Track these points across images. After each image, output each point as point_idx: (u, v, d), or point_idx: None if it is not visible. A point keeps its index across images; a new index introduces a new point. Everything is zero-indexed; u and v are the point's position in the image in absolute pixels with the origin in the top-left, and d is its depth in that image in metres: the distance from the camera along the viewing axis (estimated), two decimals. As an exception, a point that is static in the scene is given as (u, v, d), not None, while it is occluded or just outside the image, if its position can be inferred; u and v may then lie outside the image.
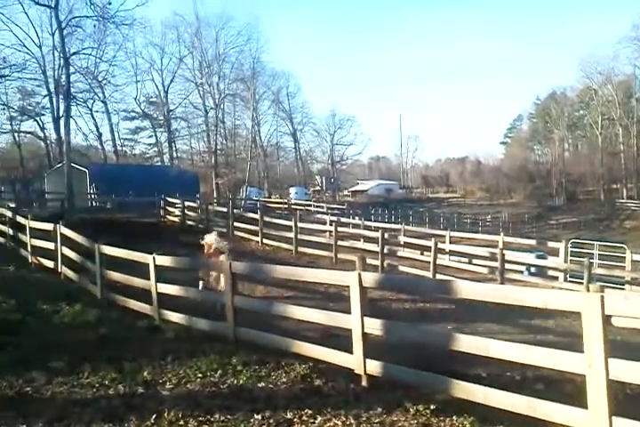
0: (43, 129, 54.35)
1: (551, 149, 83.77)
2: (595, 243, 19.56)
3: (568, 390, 4.83)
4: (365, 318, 5.28)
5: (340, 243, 17.50)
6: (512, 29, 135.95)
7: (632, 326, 5.21)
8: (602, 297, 3.82)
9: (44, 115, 52.47)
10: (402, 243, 18.12)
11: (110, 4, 25.78)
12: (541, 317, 9.57)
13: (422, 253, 16.11)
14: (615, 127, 73.85)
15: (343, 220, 27.02)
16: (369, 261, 15.14)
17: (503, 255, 13.79)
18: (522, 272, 14.92)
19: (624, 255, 15.77)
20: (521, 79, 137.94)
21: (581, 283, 12.72)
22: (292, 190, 64.45)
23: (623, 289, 13.75)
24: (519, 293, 4.58)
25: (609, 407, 3.73)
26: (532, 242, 19.19)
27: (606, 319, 3.81)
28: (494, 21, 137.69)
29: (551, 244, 17.42)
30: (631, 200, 64.32)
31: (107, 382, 5.10)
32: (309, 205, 42.48)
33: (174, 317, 7.84)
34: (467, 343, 4.67)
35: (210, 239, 10.92)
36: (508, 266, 14.24)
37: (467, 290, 5.06)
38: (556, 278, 14.48)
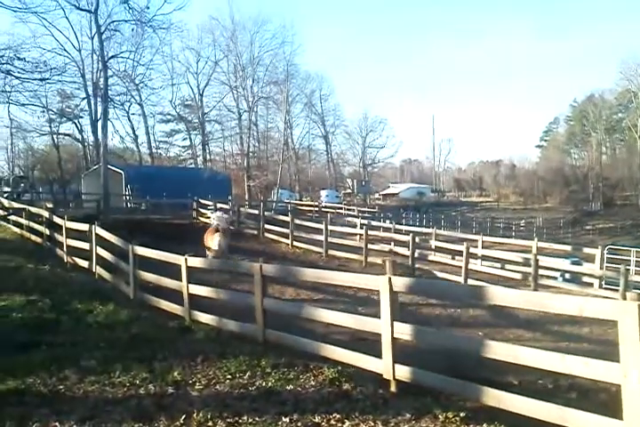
0: (81, 131, 55.64)
1: (588, 153, 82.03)
2: (632, 249, 19.07)
3: (603, 399, 4.72)
4: (395, 323, 5.25)
5: (370, 246, 17.44)
6: (550, 30, 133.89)
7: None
8: (639, 306, 3.73)
9: (82, 117, 53.72)
10: (433, 247, 17.95)
11: (148, 8, 26.19)
12: (574, 324, 9.38)
13: (453, 258, 15.94)
14: (655, 130, 71.95)
15: (374, 223, 26.90)
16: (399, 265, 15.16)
17: (537, 261, 13.55)
18: (556, 278, 14.63)
19: (663, 262, 15.37)
20: (558, 81, 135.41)
21: (617, 290, 12.41)
22: (323, 193, 64.51)
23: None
24: (555, 300, 4.48)
25: (647, 420, 3.62)
26: (567, 248, 18.80)
27: (644, 328, 3.71)
28: (531, 22, 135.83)
29: (586, 250, 17.03)
30: (671, 205, 62.51)
31: (137, 382, 5.17)
32: (340, 208, 42.40)
33: (205, 318, 7.92)
34: (498, 350, 4.59)
35: (213, 216, 11.89)
36: (541, 272, 13.98)
37: (500, 296, 4.97)
38: (590, 285, 14.16)
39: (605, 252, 15.73)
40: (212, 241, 13.82)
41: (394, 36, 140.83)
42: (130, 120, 56.33)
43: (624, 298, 3.99)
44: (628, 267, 13.77)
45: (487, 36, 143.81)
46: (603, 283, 14.21)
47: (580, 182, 75.31)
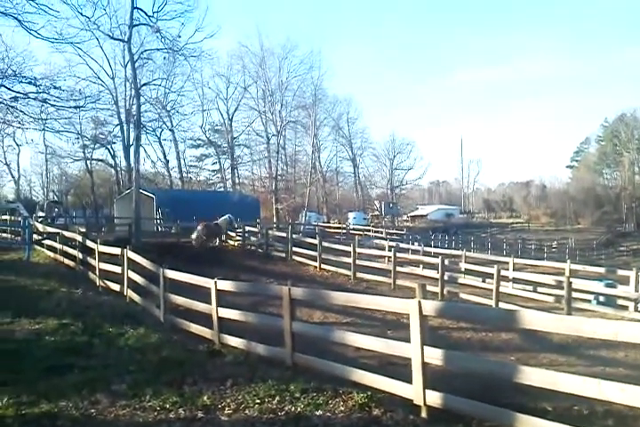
0: (113, 157, 57.00)
1: (620, 173, 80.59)
2: (669, 271, 18.53)
3: (641, 428, 4.57)
4: (425, 348, 5.19)
5: (398, 269, 17.31)
6: (580, 49, 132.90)
7: None
8: (676, 331, 3.63)
9: (114, 143, 55.08)
10: (463, 269, 17.70)
11: (180, 37, 26.79)
12: (609, 347, 9.11)
13: (484, 281, 15.70)
14: (689, 149, 70.46)
15: (402, 245, 26.75)
16: (428, 287, 14.88)
17: (570, 283, 13.25)
18: (590, 301, 14.27)
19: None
20: (588, 101, 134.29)
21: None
22: (351, 215, 64.48)
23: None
24: (590, 324, 4.40)
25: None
26: (601, 270, 18.37)
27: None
28: (560, 42, 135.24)
29: (621, 272, 16.62)
30: None
31: (168, 406, 5.19)
32: (368, 231, 42.33)
33: (234, 341, 7.93)
34: (532, 376, 4.51)
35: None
36: (575, 295, 13.66)
37: (533, 321, 4.88)
38: (626, 308, 13.78)
39: (640, 274, 15.31)
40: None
41: (421, 57, 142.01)
42: (161, 145, 57.62)
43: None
44: (664, 289, 13.38)
45: (516, 56, 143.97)
46: (638, 306, 13.83)
47: (612, 203, 73.95)
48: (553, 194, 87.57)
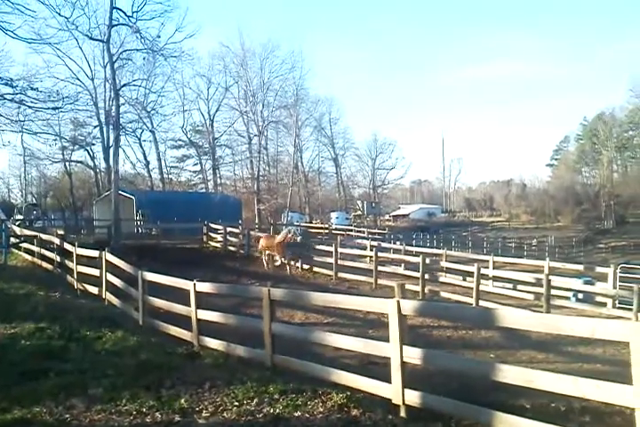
0: (93, 158, 56.26)
1: (599, 171, 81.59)
2: (645, 267, 18.79)
3: (617, 423, 4.61)
4: (404, 347, 5.18)
5: (380, 268, 17.35)
6: (558, 50, 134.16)
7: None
8: (651, 326, 3.67)
9: (94, 144, 54.38)
10: (443, 268, 17.81)
11: (159, 37, 26.70)
12: (587, 344, 9.21)
13: (465, 279, 15.79)
14: (666, 147, 71.66)
15: (384, 245, 26.82)
16: (410, 286, 15.03)
17: (549, 281, 13.37)
18: (569, 298, 14.42)
19: (678, 281, 15.11)
20: (567, 100, 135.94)
21: (631, 310, 12.20)
22: (333, 215, 64.51)
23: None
24: (567, 322, 4.44)
25: (661, 444, 3.53)
26: (580, 267, 18.55)
27: (657, 350, 3.65)
28: (539, 42, 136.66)
29: (599, 269, 16.82)
30: (684, 222, 61.90)
31: (144, 410, 5.12)
32: (350, 230, 42.37)
33: (213, 343, 7.88)
34: (510, 374, 4.53)
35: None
36: (554, 292, 13.77)
37: (512, 319, 4.95)
38: (604, 305, 13.93)
39: (618, 270, 15.51)
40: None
41: (403, 57, 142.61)
42: (141, 147, 57.04)
43: (637, 319, 3.93)
44: (641, 285, 13.53)
45: (498, 56, 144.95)
46: (616, 302, 14.01)
47: (591, 201, 74.80)
48: (533, 192, 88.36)
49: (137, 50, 28.68)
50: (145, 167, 58.23)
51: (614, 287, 14.35)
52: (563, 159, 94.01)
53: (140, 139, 55.51)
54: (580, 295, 14.52)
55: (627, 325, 4.06)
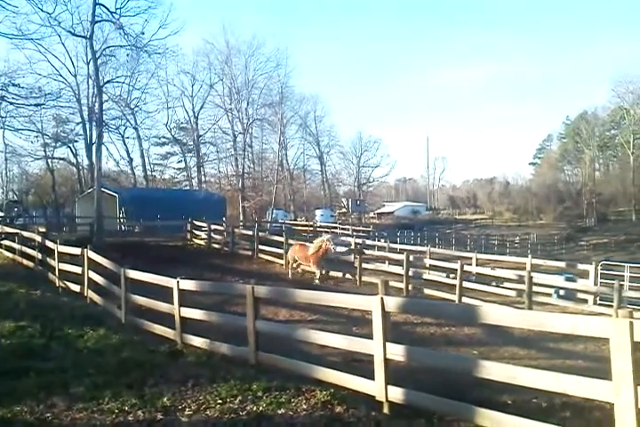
0: (75, 155, 55.59)
1: (581, 170, 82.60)
2: (626, 265, 19.04)
3: (596, 418, 4.67)
4: (388, 344, 5.20)
5: (364, 265, 17.37)
6: (544, 50, 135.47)
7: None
8: (631, 323, 3.72)
9: (77, 141, 53.69)
10: (427, 265, 17.89)
11: (143, 33, 26.41)
12: (569, 340, 9.29)
13: (448, 276, 15.88)
14: (647, 146, 72.57)
15: (368, 242, 26.89)
16: (394, 284, 15.07)
17: (531, 278, 13.50)
18: (551, 295, 14.57)
19: (657, 277, 15.35)
20: (551, 99, 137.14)
21: (612, 306, 12.35)
22: (318, 213, 64.51)
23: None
24: (548, 319, 4.49)
25: (639, 438, 3.58)
26: (561, 264, 18.76)
27: (636, 346, 3.70)
28: (525, 42, 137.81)
29: (581, 266, 17.03)
30: (664, 220, 62.87)
31: (126, 408, 5.08)
32: (335, 228, 42.42)
33: (197, 341, 7.83)
34: (493, 370, 4.57)
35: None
36: (536, 289, 13.92)
37: (494, 316, 5.01)
38: (585, 301, 14.10)
39: (599, 267, 15.71)
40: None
41: (390, 56, 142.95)
42: (125, 144, 56.42)
43: (617, 315, 3.98)
44: (622, 282, 13.72)
45: (484, 56, 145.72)
46: (597, 299, 14.17)
47: (573, 199, 75.72)
48: (516, 190, 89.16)
49: (120, 46, 28.44)
50: (128, 164, 57.71)
51: (595, 284, 14.53)
52: (546, 158, 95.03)
53: (123, 136, 55.03)
54: (562, 292, 14.69)
55: (606, 321, 4.11)
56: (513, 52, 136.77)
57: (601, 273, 15.65)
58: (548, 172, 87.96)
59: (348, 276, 17.31)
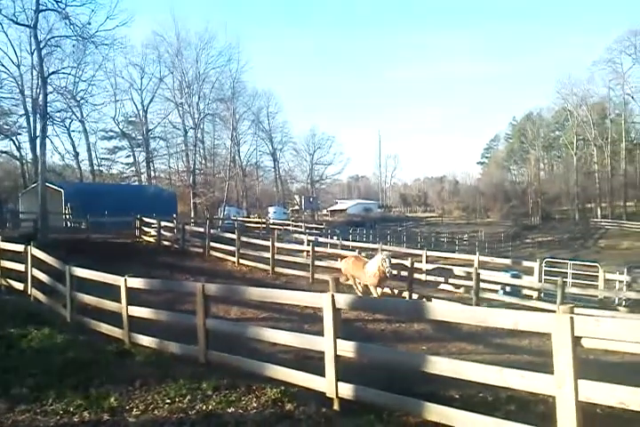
0: (19, 149, 53.66)
1: (527, 169, 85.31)
2: (568, 262, 19.77)
3: (540, 411, 4.82)
4: (338, 341, 5.24)
5: (317, 263, 17.42)
6: (491, 52, 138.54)
7: (604, 346, 5.24)
8: (571, 318, 3.85)
9: (20, 134, 51.73)
10: (379, 262, 18.02)
11: (90, 24, 25.61)
12: (514, 336, 9.59)
13: (399, 273, 16.06)
14: (590, 148, 75.42)
15: (321, 239, 26.96)
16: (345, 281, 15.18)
17: (478, 275, 13.85)
18: (497, 291, 14.97)
19: (597, 274, 15.97)
20: (499, 100, 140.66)
21: (555, 302, 12.79)
22: (271, 210, 64.29)
23: (596, 308, 13.86)
24: (493, 315, 4.61)
25: (578, 429, 3.72)
26: (507, 261, 19.31)
27: (576, 341, 3.83)
28: (474, 44, 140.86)
29: (526, 263, 17.54)
30: (605, 219, 65.54)
31: (71, 409, 4.97)
32: (288, 225, 42.37)
33: (145, 340, 7.69)
34: (440, 366, 4.66)
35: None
36: (483, 285, 14.28)
37: (442, 312, 5.16)
38: (530, 298, 14.55)
39: (544, 265, 16.24)
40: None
41: (341, 53, 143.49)
42: (70, 137, 54.85)
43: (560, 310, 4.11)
44: (564, 279, 14.23)
45: (434, 55, 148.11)
46: (542, 295, 14.64)
47: (519, 197, 78.04)
48: (465, 189, 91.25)
49: (66, 37, 27.48)
50: (74, 159, 56.10)
51: (540, 281, 14.99)
52: (493, 157, 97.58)
53: (68, 129, 53.53)
54: (508, 288, 15.12)
55: (547, 316, 4.24)
56: (465, 52, 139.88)
57: (545, 270, 16.16)
58: (495, 171, 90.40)
59: (301, 273, 17.31)
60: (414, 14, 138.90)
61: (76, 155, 55.75)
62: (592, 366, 4.47)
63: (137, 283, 8.21)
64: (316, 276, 16.75)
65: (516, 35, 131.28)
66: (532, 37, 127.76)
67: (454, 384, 5.35)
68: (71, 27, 24.53)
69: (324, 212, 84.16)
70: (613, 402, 3.74)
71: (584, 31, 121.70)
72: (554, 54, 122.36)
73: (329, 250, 21.71)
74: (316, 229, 41.47)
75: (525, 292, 15.12)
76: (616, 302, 15.40)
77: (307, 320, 10.24)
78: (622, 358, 7.31)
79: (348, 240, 28.99)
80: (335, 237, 30.25)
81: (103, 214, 27.14)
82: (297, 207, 76.39)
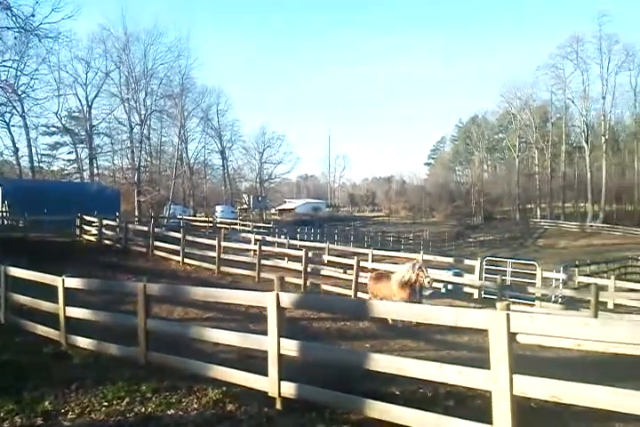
0: (-45, 143, 51.25)
1: (471, 171, 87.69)
2: (508, 260, 20.42)
3: (477, 406, 4.93)
4: (282, 340, 5.22)
5: (263, 262, 17.34)
6: (439, 54, 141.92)
7: (538, 342, 5.41)
8: (507, 315, 3.95)
9: (-44, 128, 49.53)
10: (325, 261, 18.12)
11: (34, 15, 24.61)
12: (455, 332, 9.80)
13: (345, 272, 16.18)
14: (531, 150, 78.24)
15: (268, 238, 26.85)
16: (292, 280, 15.19)
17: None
18: (440, 289, 15.29)
19: (535, 272, 16.54)
20: (446, 103, 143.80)
21: (495, 299, 13.16)
22: (219, 209, 63.64)
23: (534, 305, 14.35)
24: (434, 312, 4.69)
25: (512, 422, 3.83)
26: (450, 260, 19.74)
27: (512, 337, 3.94)
28: (422, 46, 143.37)
29: (467, 261, 17.97)
30: (544, 219, 68.10)
31: (2, 415, 4.78)
32: (235, 224, 42.02)
33: (83, 342, 7.47)
34: (382, 363, 4.70)
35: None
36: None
37: (385, 309, 5.24)
38: (471, 295, 14.92)
39: (484, 263, 16.69)
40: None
41: (291, 53, 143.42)
42: (10, 132, 52.63)
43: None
44: (504, 277, 14.66)
45: (382, 57, 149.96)
46: (482, 293, 15.05)
47: (463, 198, 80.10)
48: (411, 189, 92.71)
49: (7, 28, 26.29)
50: (13, 154, 53.96)
51: (480, 279, 15.40)
52: (439, 158, 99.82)
53: (8, 124, 51.35)
54: (450, 286, 15.47)
55: (485, 313, 4.35)
56: (413, 53, 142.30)
57: (486, 268, 16.62)
58: (441, 172, 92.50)
59: (247, 272, 17.19)
60: (365, 13, 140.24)
61: (16, 150, 53.66)
62: (527, 361, 4.60)
63: (75, 283, 7.96)
64: (263, 275, 16.67)
65: (468, 37, 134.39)
66: (480, 41, 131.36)
67: (395, 381, 5.42)
68: (13, 18, 23.50)
69: (273, 211, 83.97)
70: (546, 396, 3.85)
71: (531, 36, 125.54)
72: (501, 58, 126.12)
73: (276, 249, 21.66)
74: (264, 228, 41.27)
75: (467, 290, 15.52)
76: (552, 299, 15.98)
77: (252, 320, 10.15)
78: (557, 353, 7.57)
79: (295, 239, 29.01)
80: (283, 237, 30.21)
81: (42, 212, 26.18)
82: (245, 206, 75.91)
